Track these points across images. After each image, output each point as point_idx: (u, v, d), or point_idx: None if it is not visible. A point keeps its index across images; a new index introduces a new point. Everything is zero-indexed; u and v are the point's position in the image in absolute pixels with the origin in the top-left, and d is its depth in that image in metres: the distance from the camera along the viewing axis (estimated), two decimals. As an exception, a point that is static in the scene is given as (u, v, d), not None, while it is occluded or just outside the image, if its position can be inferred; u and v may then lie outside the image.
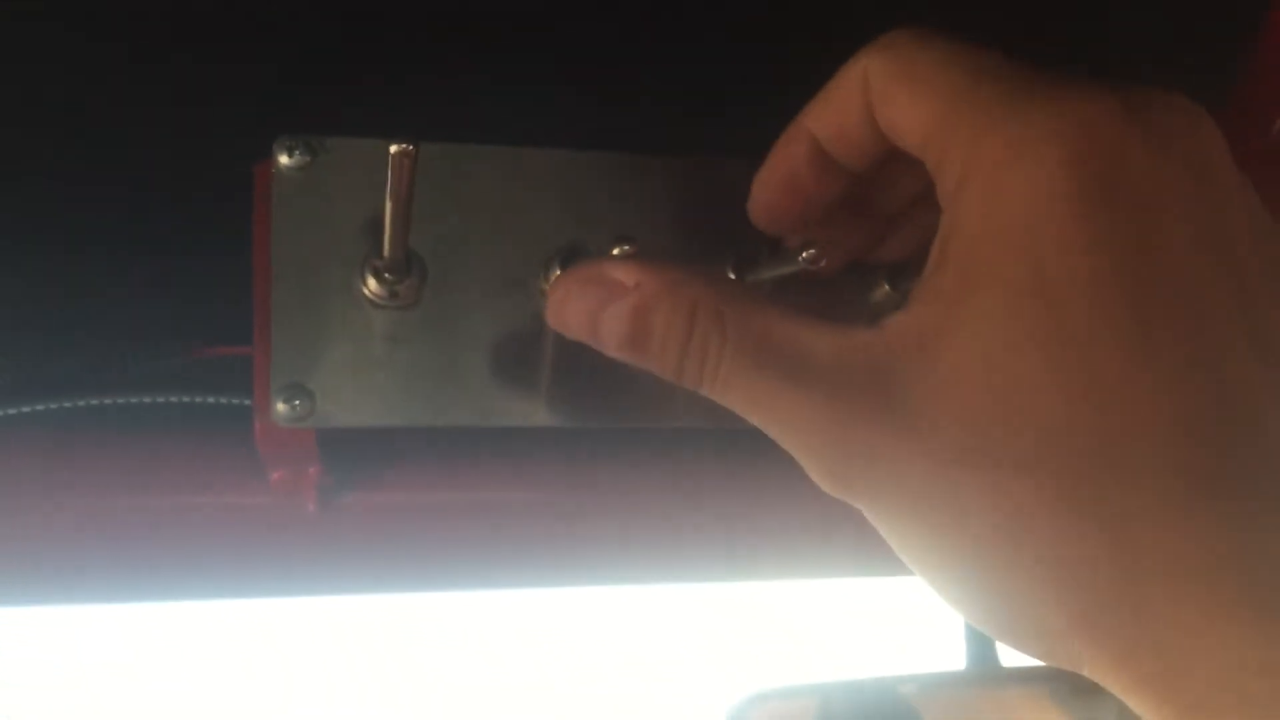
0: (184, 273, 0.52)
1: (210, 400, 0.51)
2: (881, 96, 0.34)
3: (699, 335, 0.34)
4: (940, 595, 0.33)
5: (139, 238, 0.52)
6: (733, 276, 0.44)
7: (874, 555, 0.63)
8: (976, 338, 0.30)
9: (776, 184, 0.40)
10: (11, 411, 0.49)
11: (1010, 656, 1.01)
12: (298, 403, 0.42)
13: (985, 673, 0.99)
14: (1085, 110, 0.30)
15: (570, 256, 0.43)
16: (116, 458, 0.50)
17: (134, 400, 0.51)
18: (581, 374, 0.44)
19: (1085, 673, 0.31)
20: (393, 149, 0.35)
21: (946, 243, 0.32)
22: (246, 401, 0.49)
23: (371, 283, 0.42)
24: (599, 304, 0.36)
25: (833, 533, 0.60)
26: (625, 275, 0.36)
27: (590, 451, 0.53)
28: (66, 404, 0.50)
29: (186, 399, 0.51)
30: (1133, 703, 0.30)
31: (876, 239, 0.43)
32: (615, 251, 0.37)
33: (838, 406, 0.32)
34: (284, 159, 0.43)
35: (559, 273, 0.43)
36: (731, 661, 1.80)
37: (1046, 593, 0.30)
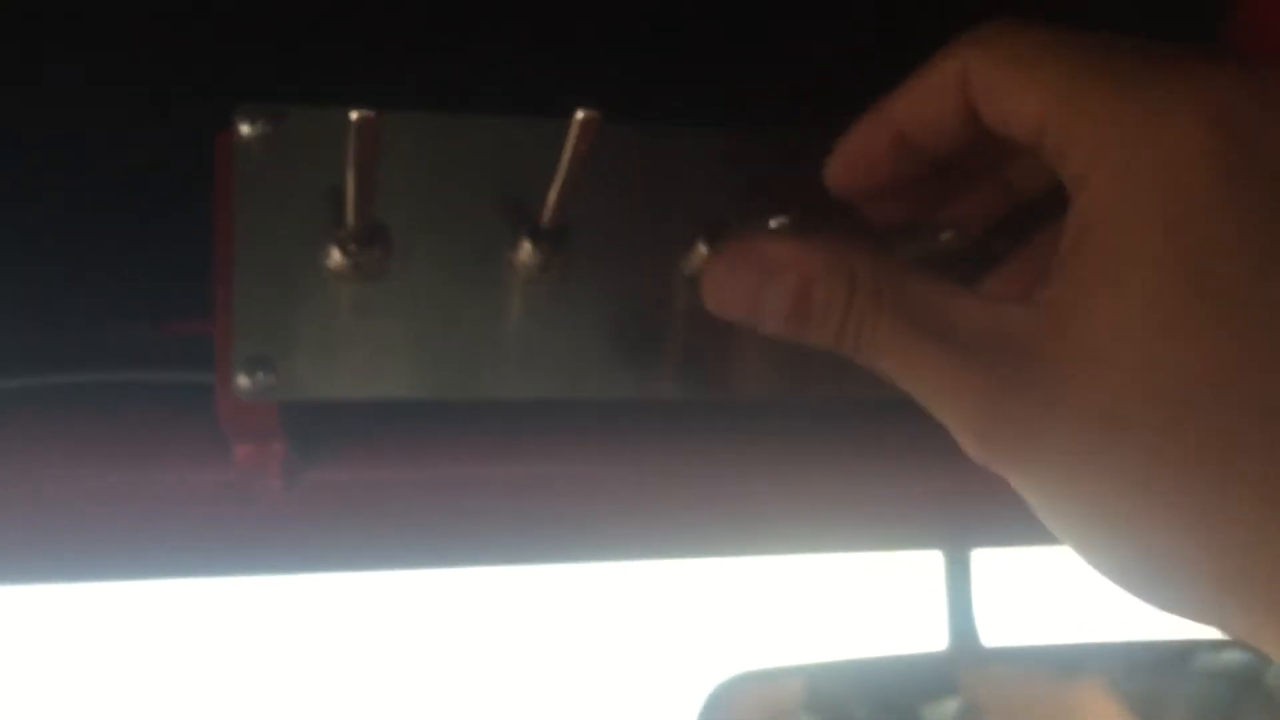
0: (146, 248, 0.51)
1: (173, 377, 0.50)
2: (988, 88, 0.35)
3: (857, 307, 0.35)
4: (1087, 560, 0.34)
5: (99, 215, 0.51)
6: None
7: (862, 531, 0.63)
8: (1125, 312, 0.31)
9: (854, 168, 0.40)
10: (-30, 389, 0.48)
11: (992, 636, 1.00)
12: (260, 375, 0.41)
13: (968, 652, 0.98)
14: (1214, 80, 0.30)
15: (537, 228, 0.42)
16: (77, 435, 0.49)
17: (96, 378, 0.50)
18: (553, 345, 0.44)
19: (1231, 631, 0.32)
20: (353, 116, 0.34)
21: (1085, 218, 0.32)
22: (210, 379, 0.48)
23: (335, 254, 0.42)
24: (759, 283, 0.37)
25: (813, 508, 0.60)
26: (783, 252, 0.37)
27: (563, 424, 0.53)
28: (28, 381, 0.49)
29: (149, 376, 0.50)
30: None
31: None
32: (772, 224, 0.39)
33: (987, 376, 0.33)
34: (245, 128, 0.42)
35: (528, 244, 0.42)
36: (712, 641, 1.80)
37: (1196, 553, 0.30)
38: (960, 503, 0.63)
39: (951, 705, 0.97)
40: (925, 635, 1.00)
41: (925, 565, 1.00)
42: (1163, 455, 0.30)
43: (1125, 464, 0.31)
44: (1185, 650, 0.99)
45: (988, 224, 0.43)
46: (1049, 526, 0.34)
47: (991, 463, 0.34)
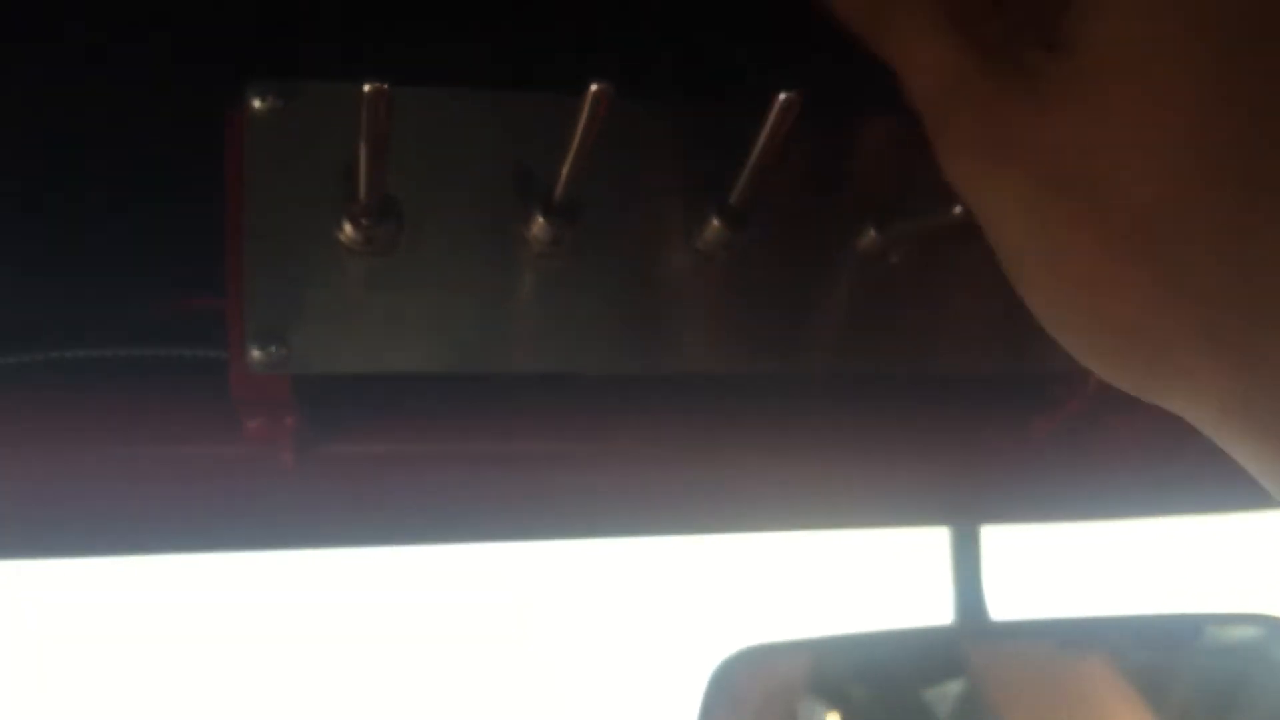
0: (159, 223, 0.51)
1: (187, 353, 0.50)
2: None
3: None
4: (1039, 300, 0.33)
5: (112, 191, 0.51)
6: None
7: (869, 507, 0.63)
8: (1121, 35, 0.30)
9: None
10: (-17, 365, 0.49)
11: (1000, 612, 1.01)
12: (273, 349, 0.41)
13: (975, 627, 0.99)
14: None
15: (549, 202, 0.42)
16: (90, 410, 0.49)
17: (108, 353, 0.50)
18: (564, 319, 0.44)
19: (1178, 401, 0.31)
20: (366, 89, 0.34)
21: None
22: (223, 354, 0.48)
23: (347, 228, 0.41)
24: None
25: (820, 484, 0.60)
26: None
27: (576, 398, 0.53)
28: (39, 357, 0.50)
29: (162, 351, 0.50)
30: (1231, 428, 0.31)
31: None
32: None
33: (987, 82, 0.33)
34: (257, 103, 0.42)
35: (540, 218, 0.42)
36: (717, 616, 1.81)
37: (1167, 295, 0.30)
38: (968, 479, 0.63)
39: (954, 686, 0.97)
40: (934, 610, 1.01)
41: (937, 541, 1.00)
42: (1145, 187, 0.30)
43: (1113, 183, 0.30)
44: (1193, 624, 0.99)
45: None
46: (1009, 258, 0.34)
47: (966, 166, 0.34)
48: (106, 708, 1.77)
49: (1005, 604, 1.00)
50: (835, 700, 0.99)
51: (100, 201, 0.51)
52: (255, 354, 0.41)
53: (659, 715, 1.76)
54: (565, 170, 0.39)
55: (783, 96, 0.37)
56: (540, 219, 0.42)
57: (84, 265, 0.52)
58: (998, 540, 1.01)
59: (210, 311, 0.49)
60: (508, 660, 1.85)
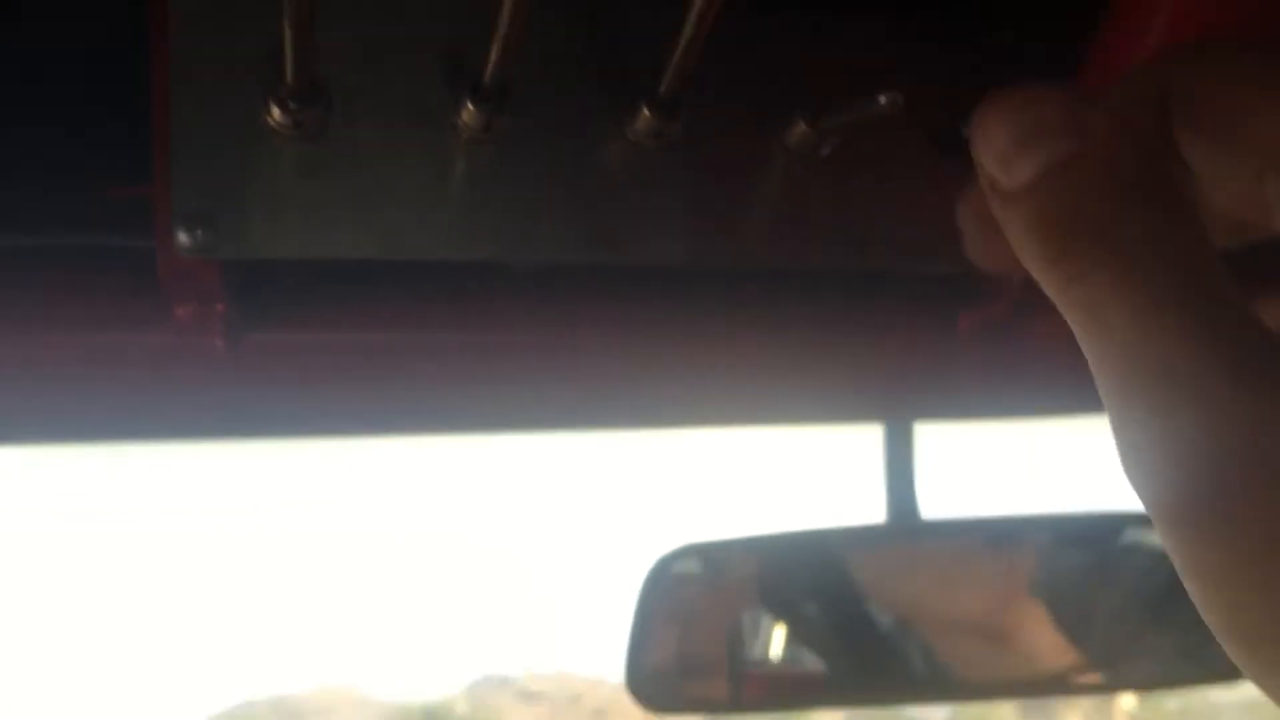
0: (87, 111, 0.50)
1: (116, 243, 0.50)
2: (1217, 111, 0.31)
3: (1112, 226, 0.29)
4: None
5: (38, 79, 0.50)
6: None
7: (801, 404, 0.64)
8: None
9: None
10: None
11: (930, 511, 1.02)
12: (199, 232, 0.41)
13: (908, 526, 1.00)
14: None
15: (478, 87, 0.41)
16: (16, 298, 0.49)
17: (37, 242, 0.49)
18: (496, 206, 0.43)
19: None
20: None
21: None
22: (151, 244, 0.48)
23: (275, 112, 0.41)
24: (1033, 132, 0.31)
25: (752, 381, 0.60)
26: (1076, 121, 0.31)
27: (506, 290, 0.52)
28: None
29: (92, 239, 0.50)
30: None
31: None
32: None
33: (1238, 388, 0.26)
34: None
35: (470, 103, 0.42)
36: (651, 516, 1.83)
37: None
38: (898, 376, 0.64)
39: (889, 584, 0.99)
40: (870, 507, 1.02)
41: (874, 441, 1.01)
42: None
43: None
44: (1116, 523, 1.01)
45: None
46: (1212, 605, 0.27)
47: (1194, 513, 0.27)
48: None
49: (938, 504, 1.02)
50: (771, 599, 1.01)
51: (26, 89, 0.50)
52: (182, 238, 0.41)
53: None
54: (493, 54, 0.39)
55: None
56: (469, 104, 0.42)
57: (12, 153, 0.51)
58: (932, 442, 1.03)
59: (142, 199, 0.48)
60: (447, 556, 1.87)
